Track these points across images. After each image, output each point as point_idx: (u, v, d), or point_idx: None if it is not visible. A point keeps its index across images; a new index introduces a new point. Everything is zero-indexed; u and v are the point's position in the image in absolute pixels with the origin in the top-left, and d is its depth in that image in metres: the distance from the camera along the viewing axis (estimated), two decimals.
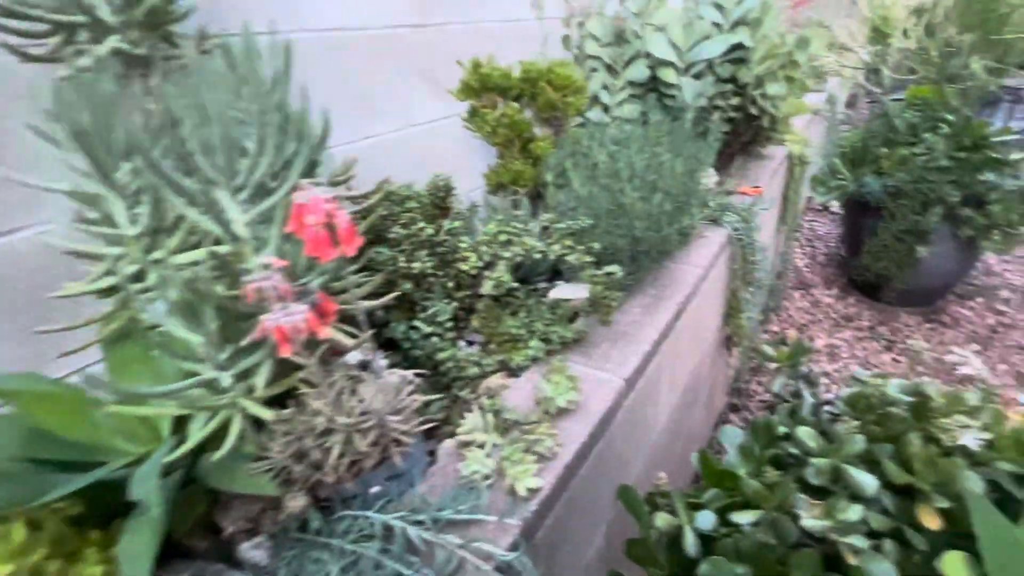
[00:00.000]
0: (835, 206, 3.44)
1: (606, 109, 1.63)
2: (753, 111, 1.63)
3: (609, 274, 0.92)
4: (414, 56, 1.39)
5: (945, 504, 0.61)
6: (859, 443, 0.69)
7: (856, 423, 0.83)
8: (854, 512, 0.59)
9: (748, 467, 0.85)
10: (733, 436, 0.97)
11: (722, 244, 1.43)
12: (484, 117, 1.21)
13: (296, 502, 0.67)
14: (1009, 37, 1.98)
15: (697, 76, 1.55)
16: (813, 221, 3.65)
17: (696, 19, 1.49)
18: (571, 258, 0.93)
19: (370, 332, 0.65)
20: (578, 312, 1.03)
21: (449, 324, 0.92)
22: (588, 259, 0.93)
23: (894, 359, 2.35)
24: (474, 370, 0.88)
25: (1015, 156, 2.25)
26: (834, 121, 3.25)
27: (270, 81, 0.69)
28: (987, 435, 0.67)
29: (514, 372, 0.95)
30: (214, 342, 0.51)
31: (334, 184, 0.81)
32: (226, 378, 0.56)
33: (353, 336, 0.71)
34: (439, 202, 1.17)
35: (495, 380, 0.92)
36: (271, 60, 0.70)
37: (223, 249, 0.54)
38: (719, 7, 1.55)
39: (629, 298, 1.14)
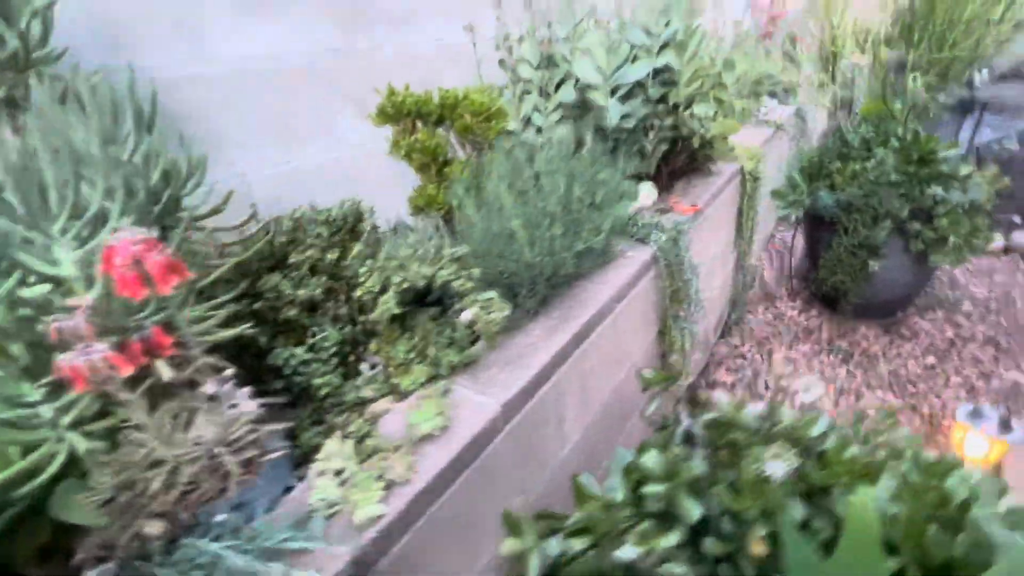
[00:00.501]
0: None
1: (539, 131, 1.66)
2: (684, 131, 1.65)
3: (490, 299, 0.94)
4: (342, 82, 1.42)
5: (770, 530, 0.63)
6: (695, 469, 0.71)
7: (709, 449, 0.84)
8: (671, 539, 0.61)
9: (624, 491, 0.86)
10: (621, 458, 0.98)
11: (645, 263, 1.45)
12: (398, 142, 1.24)
13: (153, 528, 0.69)
14: (947, 56, 2.01)
15: (625, 98, 1.58)
16: (786, 233, 3.66)
17: (621, 43, 1.52)
18: (456, 284, 0.96)
19: (205, 362, 0.67)
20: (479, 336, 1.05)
21: (333, 350, 0.94)
22: (471, 284, 0.95)
23: (849, 371, 2.35)
24: (352, 396, 0.90)
25: (964, 170, 2.27)
26: (803, 135, 3.27)
27: (130, 120, 0.72)
28: (794, 463, 0.68)
29: (404, 396, 0.97)
30: (15, 377, 0.53)
31: (196, 219, 0.83)
32: (47, 411, 0.58)
33: (219, 368, 0.73)
34: (349, 227, 1.19)
35: (380, 405, 0.94)
36: (142, 99, 0.73)
37: (40, 290, 0.56)
38: (647, 32, 1.58)
39: (533, 321, 1.15)
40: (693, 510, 0.64)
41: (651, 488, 0.67)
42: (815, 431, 0.75)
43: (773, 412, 0.82)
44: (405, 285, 0.98)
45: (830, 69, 2.31)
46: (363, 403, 0.92)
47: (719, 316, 2.62)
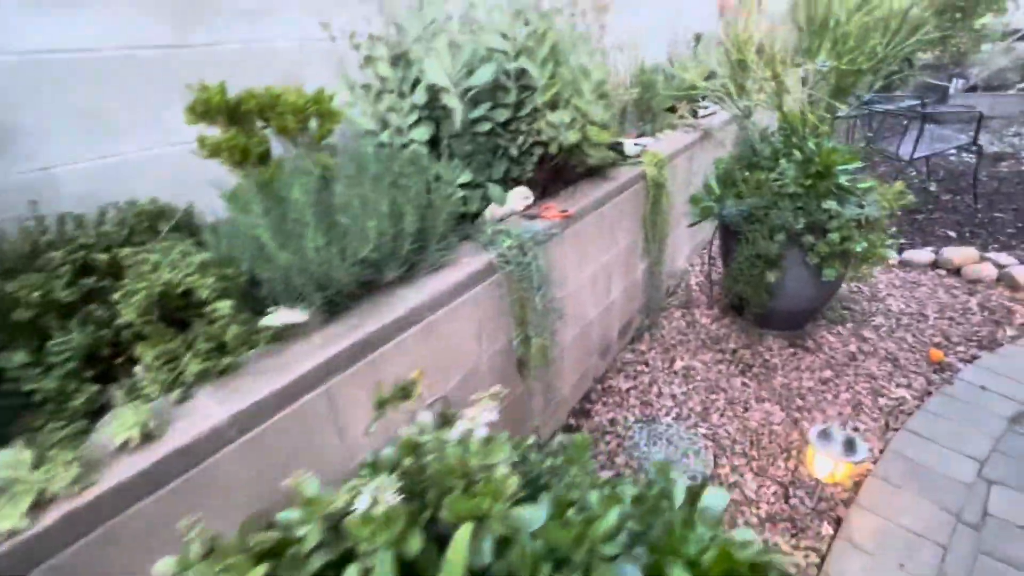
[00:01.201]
0: None
1: (400, 131, 1.64)
2: (544, 138, 1.63)
3: (229, 310, 0.93)
4: (173, 76, 1.39)
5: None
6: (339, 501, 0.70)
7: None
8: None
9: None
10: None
11: (478, 271, 1.43)
12: (202, 140, 1.22)
13: None
14: (845, 68, 1.98)
15: (475, 101, 1.56)
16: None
17: (467, 46, 1.50)
18: (201, 291, 0.94)
19: None
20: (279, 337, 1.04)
21: (67, 355, 0.92)
22: (207, 292, 0.93)
23: (743, 383, 2.34)
24: (78, 402, 0.88)
25: (863, 184, 2.25)
26: (746, 140, 3.24)
27: None
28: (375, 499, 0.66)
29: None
30: None
31: None
32: None
33: None
34: (144, 226, 1.18)
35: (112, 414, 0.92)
36: None
37: None
38: (503, 35, 1.55)
39: (323, 328, 1.14)
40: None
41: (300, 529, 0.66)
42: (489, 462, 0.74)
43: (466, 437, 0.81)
44: (158, 289, 0.96)
45: (737, 78, 2.28)
46: (99, 410, 0.90)
47: (627, 322, 2.61)
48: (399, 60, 1.52)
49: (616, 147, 2.36)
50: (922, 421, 2.03)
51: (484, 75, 1.49)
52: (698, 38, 3.85)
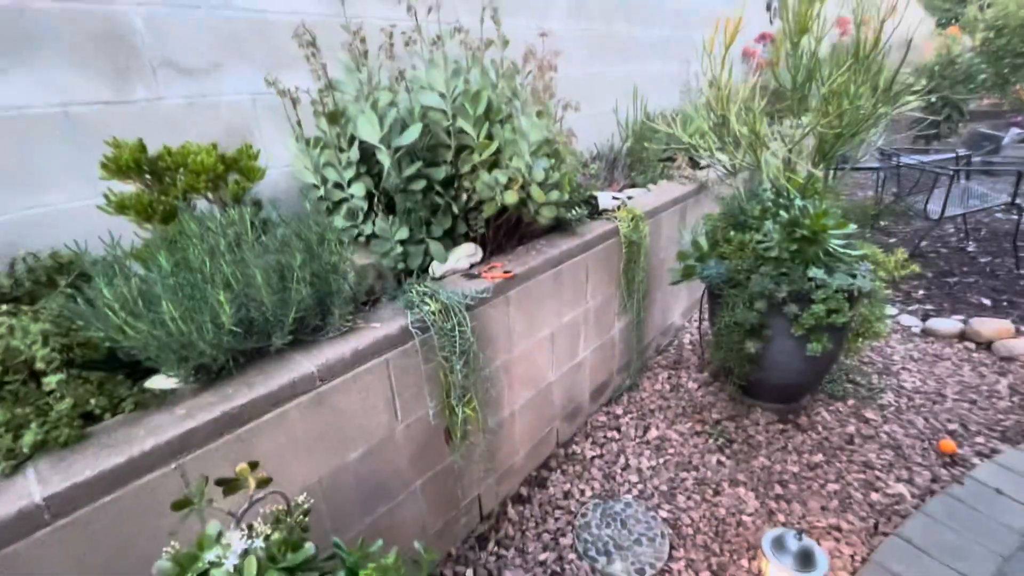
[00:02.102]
0: None
1: (339, 186, 1.62)
2: (482, 196, 1.57)
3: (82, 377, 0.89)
4: (109, 132, 1.43)
5: None
6: None
7: None
8: None
9: None
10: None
11: (388, 336, 1.36)
12: (108, 197, 1.22)
13: None
14: (824, 129, 1.83)
15: (411, 159, 1.52)
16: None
17: (403, 104, 1.47)
18: (38, 363, 0.91)
19: None
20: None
21: None
22: (51, 363, 0.90)
23: (719, 461, 2.13)
24: None
25: (857, 252, 2.06)
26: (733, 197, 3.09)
27: None
28: None
29: None
30: None
31: None
32: None
33: None
34: (42, 281, 1.18)
35: None
36: None
37: None
38: (441, 95, 1.52)
39: (195, 397, 1.09)
40: None
41: None
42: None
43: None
44: None
45: (720, 132, 2.16)
46: None
47: (602, 382, 2.46)
48: (339, 117, 1.51)
49: (590, 200, 2.28)
50: (918, 526, 1.76)
51: (411, 135, 1.45)
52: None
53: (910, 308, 3.25)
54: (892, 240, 4.18)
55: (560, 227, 2.09)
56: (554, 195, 1.68)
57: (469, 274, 1.68)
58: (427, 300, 1.45)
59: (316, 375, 1.21)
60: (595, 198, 2.28)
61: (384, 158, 1.49)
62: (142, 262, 1.26)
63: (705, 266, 2.30)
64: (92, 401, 1.01)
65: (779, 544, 1.43)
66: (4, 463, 0.89)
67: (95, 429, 1.01)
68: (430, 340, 1.44)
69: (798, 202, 2.04)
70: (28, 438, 0.91)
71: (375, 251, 1.62)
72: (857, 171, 5.16)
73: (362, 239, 1.68)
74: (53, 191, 1.37)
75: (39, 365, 0.91)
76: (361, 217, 1.64)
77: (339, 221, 1.65)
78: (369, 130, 1.46)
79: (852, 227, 2.04)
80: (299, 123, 1.52)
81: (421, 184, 1.55)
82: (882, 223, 4.22)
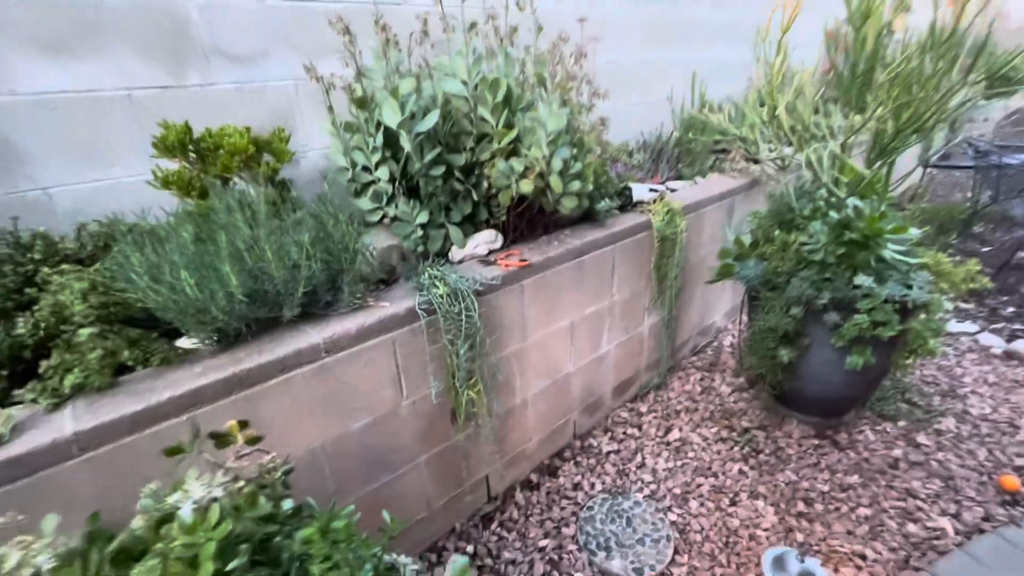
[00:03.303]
0: None
1: (367, 169, 1.69)
2: (498, 185, 1.58)
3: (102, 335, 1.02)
4: (165, 114, 1.58)
5: None
6: None
7: None
8: None
9: None
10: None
11: (396, 315, 1.42)
12: (155, 173, 1.36)
13: None
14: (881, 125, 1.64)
15: (433, 144, 1.56)
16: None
17: (426, 91, 1.51)
18: (77, 316, 1.04)
19: None
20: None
21: None
22: (87, 317, 1.03)
23: (741, 471, 2.04)
24: None
25: (914, 260, 1.86)
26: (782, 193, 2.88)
27: None
28: None
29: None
30: None
31: None
32: None
33: None
34: (101, 245, 1.34)
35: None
36: None
37: None
38: (464, 82, 1.54)
39: (211, 358, 1.20)
40: None
41: None
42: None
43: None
44: (47, 310, 1.09)
45: (770, 122, 2.00)
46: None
47: (627, 378, 2.42)
48: (367, 102, 1.57)
49: (624, 192, 2.22)
50: (956, 566, 1.60)
51: (429, 121, 1.49)
52: None
53: (994, 326, 2.90)
54: (985, 249, 3.72)
55: (588, 217, 2.06)
56: (575, 185, 1.66)
57: (486, 260, 1.70)
58: (436, 283, 1.50)
59: (322, 347, 1.29)
60: (629, 189, 2.22)
61: (405, 143, 1.54)
62: (177, 233, 1.40)
63: (743, 265, 2.18)
64: (126, 353, 1.14)
65: (779, 564, 1.36)
66: (48, 400, 1.04)
67: (126, 379, 1.14)
68: (436, 322, 1.49)
69: (852, 202, 1.87)
70: (69, 380, 1.06)
71: (397, 233, 1.68)
72: (956, 169, 4.63)
73: (387, 220, 1.75)
74: (118, 166, 1.54)
75: (77, 319, 1.05)
76: (386, 200, 1.71)
77: (365, 203, 1.72)
78: (391, 115, 1.51)
79: (914, 232, 1.85)
80: (331, 108, 1.59)
81: (441, 170, 1.59)
82: (975, 229, 3.76)
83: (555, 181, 1.57)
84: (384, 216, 1.75)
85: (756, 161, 3.01)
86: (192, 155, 1.41)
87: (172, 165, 1.44)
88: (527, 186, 1.55)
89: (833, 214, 1.93)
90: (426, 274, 1.53)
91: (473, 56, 1.49)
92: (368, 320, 1.37)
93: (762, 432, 2.23)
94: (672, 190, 2.54)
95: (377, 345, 1.40)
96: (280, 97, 1.79)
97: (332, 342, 1.31)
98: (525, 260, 1.70)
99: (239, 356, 1.22)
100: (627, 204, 2.22)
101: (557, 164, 1.54)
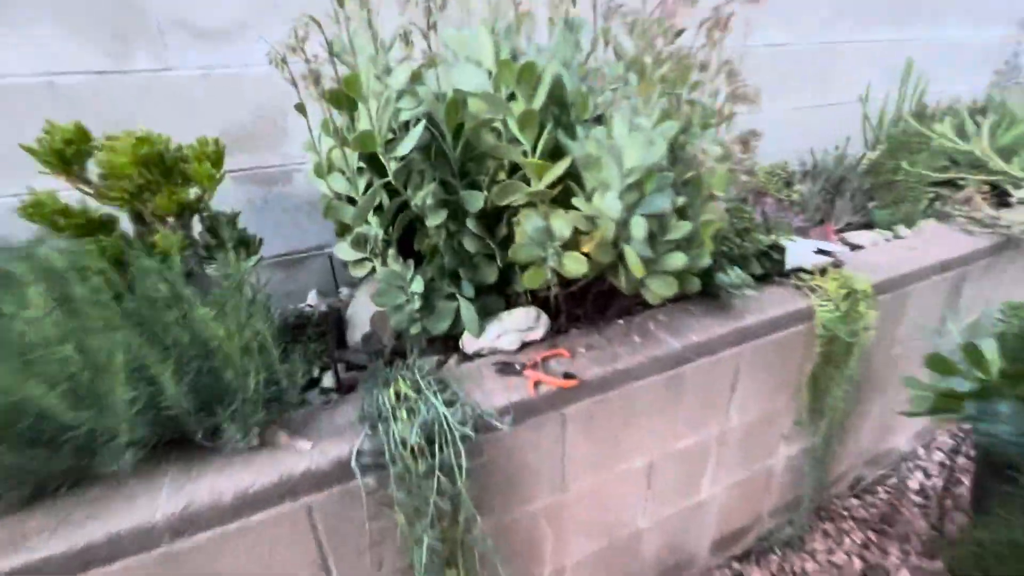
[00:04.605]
0: None
1: (352, 201, 1.13)
2: (519, 258, 0.90)
3: None
4: (102, 106, 1.16)
5: None
6: None
7: None
8: None
9: None
10: None
11: (311, 473, 0.83)
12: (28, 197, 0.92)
13: None
14: None
15: (411, 177, 0.93)
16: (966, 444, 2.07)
17: (417, 90, 0.88)
18: None
19: None
20: None
21: None
22: None
23: None
24: None
25: None
26: None
27: None
28: None
29: None
30: None
31: None
32: None
33: None
34: None
35: None
36: None
37: None
38: (489, 72, 0.88)
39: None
40: None
41: None
42: None
43: None
44: None
45: None
46: None
47: (738, 528, 1.59)
48: (342, 98, 1.00)
49: (772, 252, 1.38)
50: None
51: (408, 142, 0.86)
52: None
53: None
54: None
55: (703, 291, 1.28)
56: (675, 261, 0.91)
57: (508, 363, 1.04)
58: (398, 411, 0.88)
59: (163, 526, 0.75)
60: (781, 249, 1.38)
61: (389, 170, 0.94)
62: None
63: (984, 406, 1.22)
64: None
65: None
66: None
67: None
68: (388, 482, 0.87)
69: None
70: None
71: (380, 302, 1.09)
72: None
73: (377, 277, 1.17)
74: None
75: None
76: (374, 245, 1.13)
77: (346, 250, 1.16)
78: (367, 126, 0.91)
79: None
80: (300, 106, 1.04)
81: (440, 216, 0.95)
82: None
83: (633, 258, 0.84)
84: (375, 270, 1.17)
85: (1006, 204, 1.88)
86: (77, 173, 0.95)
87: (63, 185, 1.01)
88: (576, 264, 0.85)
89: None
90: (387, 390, 0.92)
91: (503, 25, 0.82)
92: (261, 479, 0.80)
93: None
94: (854, 247, 1.61)
95: (277, 518, 0.83)
96: (266, 89, 1.29)
97: (185, 518, 0.76)
98: (573, 377, 1.00)
99: (20, 532, 0.72)
100: (774, 272, 1.38)
101: (639, 229, 0.81)
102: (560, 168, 0.81)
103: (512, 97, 0.82)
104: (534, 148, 0.84)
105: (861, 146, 2.22)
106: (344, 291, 1.52)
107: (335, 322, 1.30)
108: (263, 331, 0.79)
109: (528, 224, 0.84)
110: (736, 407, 1.32)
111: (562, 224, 0.83)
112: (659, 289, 0.93)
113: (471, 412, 0.91)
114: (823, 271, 1.38)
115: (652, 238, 0.89)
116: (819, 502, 1.75)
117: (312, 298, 1.48)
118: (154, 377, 0.71)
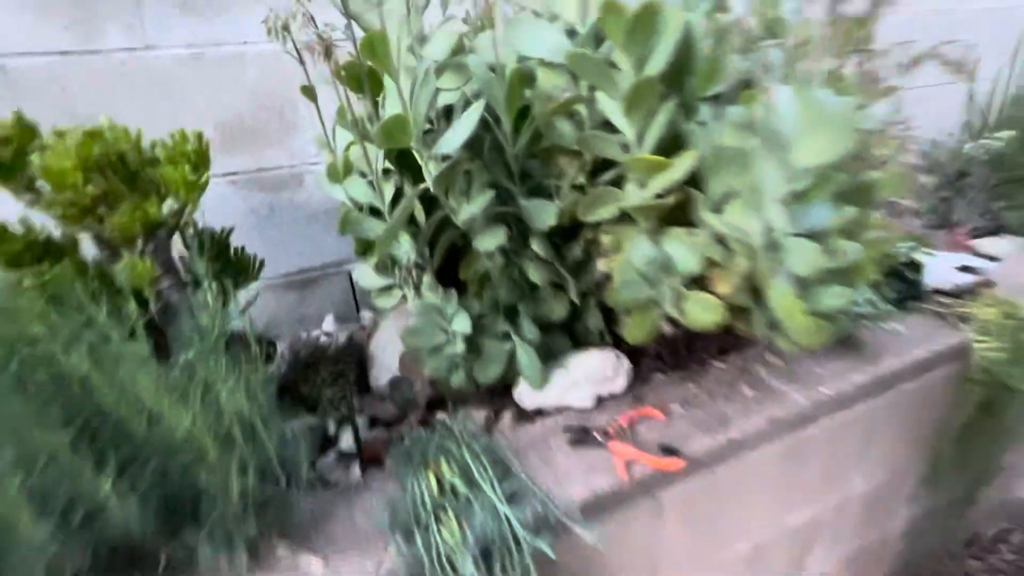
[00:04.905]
0: None
1: (376, 212, 0.87)
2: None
3: None
4: (67, 92, 0.94)
5: None
6: None
7: None
8: None
9: None
10: None
11: None
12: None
13: None
14: None
15: (454, 180, 0.67)
16: None
17: (465, 60, 0.62)
18: None
19: None
20: None
21: None
22: None
23: None
24: None
25: None
26: None
27: None
28: None
29: None
30: None
31: None
32: None
33: None
34: None
35: None
36: None
37: None
38: (571, 31, 0.61)
39: None
40: None
41: None
42: None
43: None
44: None
45: None
46: None
47: None
48: (361, 78, 0.74)
49: (905, 273, 1.08)
50: None
51: (459, 134, 0.59)
52: None
53: None
54: None
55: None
56: (832, 299, 0.63)
57: (584, 430, 0.78)
58: (442, 514, 0.63)
59: None
60: (918, 267, 1.08)
61: (426, 169, 0.68)
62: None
63: None
64: None
65: None
66: None
67: None
68: None
69: None
70: None
71: (411, 343, 0.84)
72: None
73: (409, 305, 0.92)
74: None
75: None
76: (406, 271, 0.87)
77: (368, 276, 0.91)
78: (397, 110, 0.66)
79: None
80: (308, 87, 0.79)
81: (497, 237, 0.69)
82: None
83: (788, 299, 0.57)
84: (405, 298, 0.92)
85: None
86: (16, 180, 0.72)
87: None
88: (705, 312, 0.57)
89: None
90: (425, 473, 0.66)
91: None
92: None
93: None
94: (992, 259, 1.29)
95: None
96: (270, 72, 1.05)
97: None
98: (676, 453, 0.73)
99: None
100: (908, 296, 1.08)
101: (801, 256, 0.53)
102: (683, 167, 0.54)
103: (611, 66, 0.55)
104: (640, 138, 0.57)
105: (960, 134, 1.88)
106: (367, 316, 1.27)
107: (356, 359, 1.06)
108: (252, 412, 0.54)
109: (634, 253, 0.57)
110: (864, 470, 1.03)
111: (685, 252, 0.56)
112: (806, 338, 0.65)
113: (542, 510, 0.65)
114: (972, 292, 1.08)
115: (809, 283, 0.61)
116: (938, 567, 1.44)
117: (329, 324, 1.24)
118: (90, 494, 0.47)
